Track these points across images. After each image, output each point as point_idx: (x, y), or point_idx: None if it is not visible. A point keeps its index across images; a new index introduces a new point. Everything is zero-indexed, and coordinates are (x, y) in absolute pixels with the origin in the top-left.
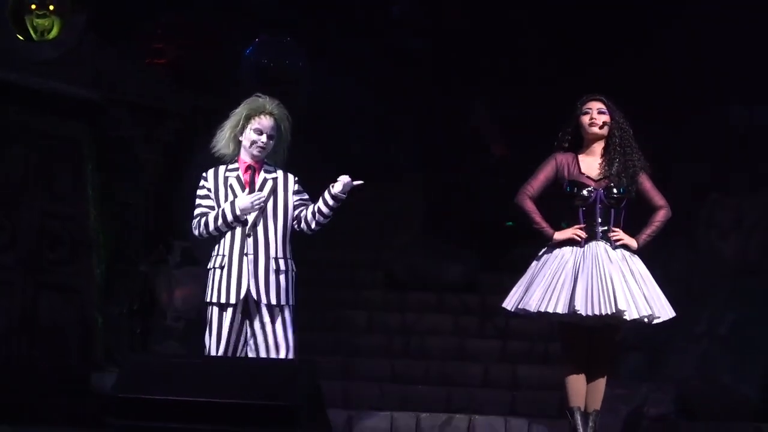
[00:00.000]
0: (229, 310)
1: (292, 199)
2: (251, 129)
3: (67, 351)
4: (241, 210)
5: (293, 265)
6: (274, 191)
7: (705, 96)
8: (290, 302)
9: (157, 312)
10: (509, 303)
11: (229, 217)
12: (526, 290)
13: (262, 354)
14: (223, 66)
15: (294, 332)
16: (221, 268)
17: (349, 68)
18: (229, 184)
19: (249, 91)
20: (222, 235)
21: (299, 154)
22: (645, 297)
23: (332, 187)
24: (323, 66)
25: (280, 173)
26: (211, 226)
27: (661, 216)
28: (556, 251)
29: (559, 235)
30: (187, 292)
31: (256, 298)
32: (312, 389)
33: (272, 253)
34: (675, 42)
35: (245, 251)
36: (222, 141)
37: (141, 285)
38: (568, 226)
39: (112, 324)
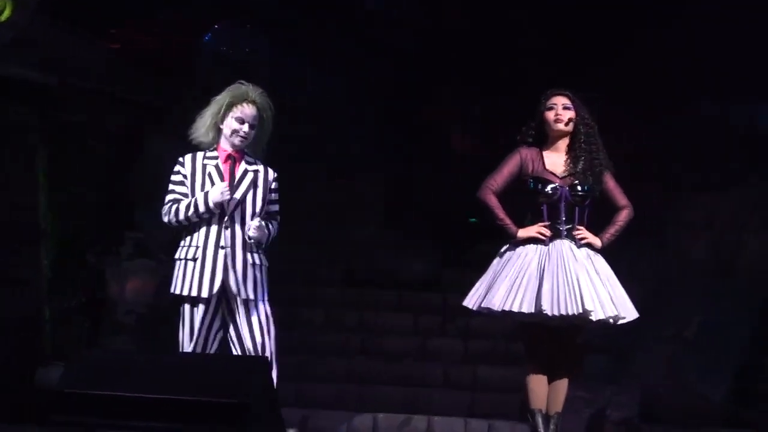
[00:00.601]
0: (201, 305)
1: (269, 196)
2: (233, 117)
3: (13, 344)
4: (213, 202)
5: (266, 259)
6: (254, 184)
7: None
8: (265, 297)
9: (107, 306)
10: (471, 301)
11: (201, 208)
12: (489, 288)
13: (240, 349)
14: (181, 52)
15: (274, 326)
16: (194, 260)
17: (315, 58)
18: (207, 172)
19: (207, 78)
20: (194, 225)
21: None
22: (610, 297)
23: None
24: (287, 54)
25: (261, 167)
26: (182, 215)
27: (623, 216)
28: (520, 249)
29: (522, 233)
30: (138, 285)
31: (235, 291)
32: (265, 387)
33: (248, 247)
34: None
35: (221, 244)
36: (202, 129)
37: (90, 277)
38: (532, 223)
39: (60, 317)
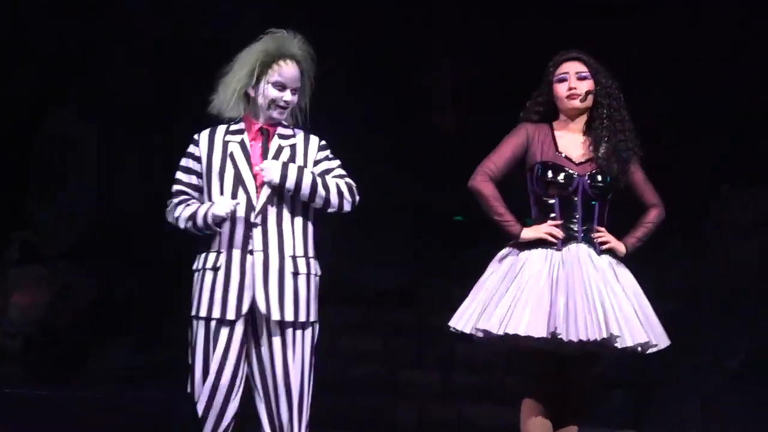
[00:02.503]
0: (225, 329)
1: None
2: (269, 83)
3: None
4: (213, 218)
5: (317, 267)
6: (292, 162)
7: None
8: (312, 318)
9: None
10: (461, 322)
11: (200, 223)
12: (485, 305)
13: (268, 390)
14: None
15: (313, 363)
16: (215, 269)
17: None
18: (228, 152)
19: (136, 21)
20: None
21: None
22: (639, 319)
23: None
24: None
25: (299, 136)
26: (182, 224)
27: (653, 216)
28: (524, 254)
29: (528, 233)
30: (27, 298)
31: (265, 311)
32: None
33: (288, 250)
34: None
35: (250, 247)
36: (230, 101)
37: None
38: (536, 222)
39: None
